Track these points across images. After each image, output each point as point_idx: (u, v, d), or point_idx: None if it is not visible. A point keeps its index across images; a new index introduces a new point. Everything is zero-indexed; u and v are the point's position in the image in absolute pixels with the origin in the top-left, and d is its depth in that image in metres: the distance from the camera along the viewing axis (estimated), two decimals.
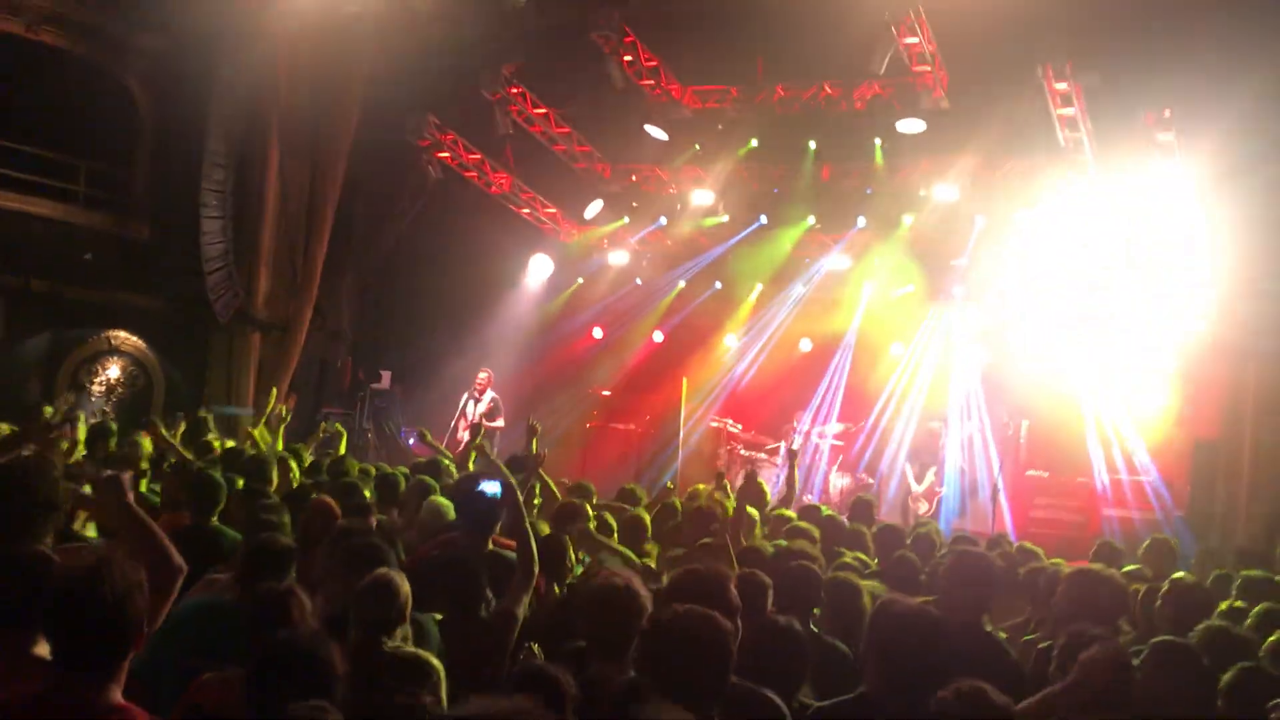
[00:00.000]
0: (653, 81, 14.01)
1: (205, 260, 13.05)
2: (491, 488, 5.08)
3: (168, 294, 14.10)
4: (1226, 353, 10.21)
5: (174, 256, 13.78)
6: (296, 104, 13.59)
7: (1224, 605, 5.50)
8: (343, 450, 8.89)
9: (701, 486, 7.73)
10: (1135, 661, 3.81)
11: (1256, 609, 5.58)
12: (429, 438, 8.80)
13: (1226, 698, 3.81)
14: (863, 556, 6.18)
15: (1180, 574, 6.62)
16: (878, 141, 14.26)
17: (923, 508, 13.56)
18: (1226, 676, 3.85)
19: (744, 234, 16.36)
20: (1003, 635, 4.86)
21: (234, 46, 12.96)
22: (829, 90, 13.94)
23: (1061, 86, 11.70)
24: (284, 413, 9.45)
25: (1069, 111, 12.12)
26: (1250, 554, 8.32)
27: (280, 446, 8.56)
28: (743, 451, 15.50)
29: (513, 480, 5.07)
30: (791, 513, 7.86)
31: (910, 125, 13.36)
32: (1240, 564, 7.64)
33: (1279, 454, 9.54)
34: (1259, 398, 9.65)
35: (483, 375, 13.92)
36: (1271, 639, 4.69)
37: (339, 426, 9.65)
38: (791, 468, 8.67)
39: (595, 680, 3.32)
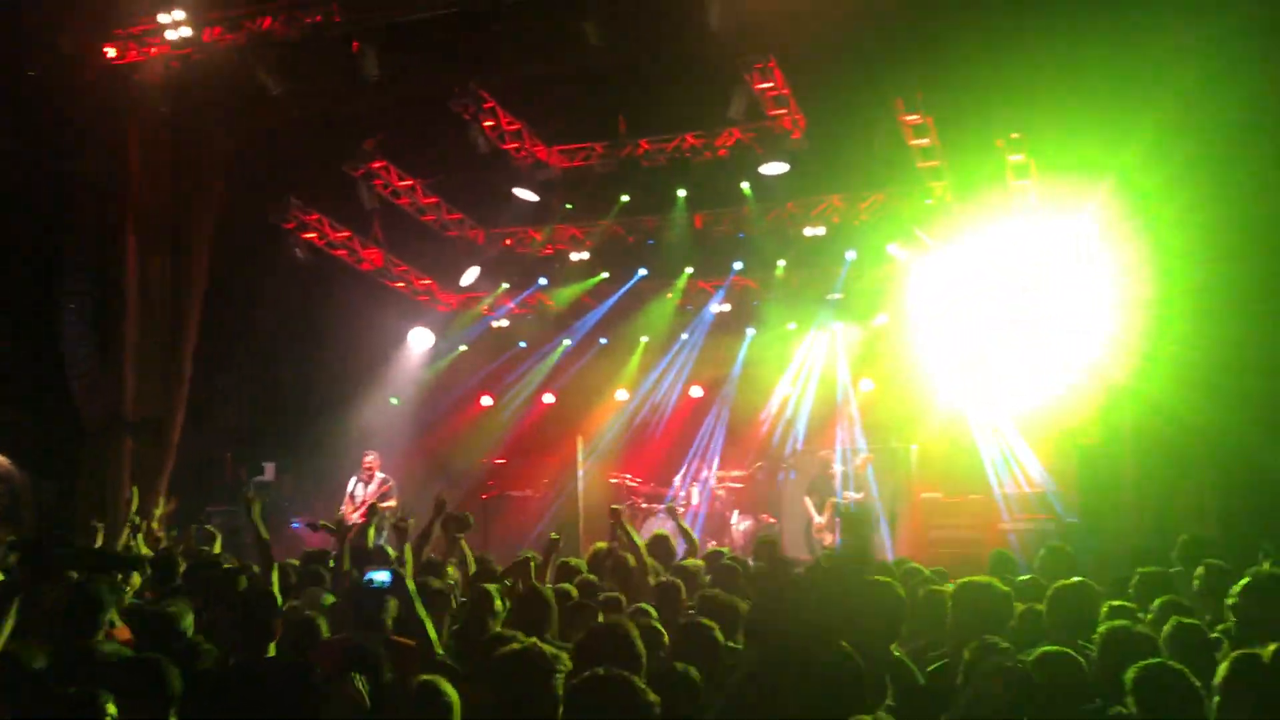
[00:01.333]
0: (517, 144, 14.00)
1: (69, 364, 12.52)
2: (380, 576, 4.79)
3: (29, 406, 13.45)
4: (1101, 359, 10.53)
5: (33, 366, 13.18)
6: (153, 195, 13.18)
7: (1107, 606, 5.57)
8: (218, 549, 8.50)
9: (601, 545, 7.61)
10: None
11: (1155, 603, 5.69)
12: (326, 524, 8.52)
13: (1133, 694, 3.82)
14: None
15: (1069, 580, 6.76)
16: (745, 186, 14.51)
17: (827, 539, 13.63)
18: (1130, 674, 3.86)
19: (625, 289, 16.44)
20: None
21: (82, 144, 12.56)
22: (692, 140, 14.14)
23: (913, 117, 12.07)
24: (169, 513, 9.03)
25: (924, 141, 12.50)
26: (1145, 552, 8.51)
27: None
28: (643, 505, 15.40)
29: (403, 570, 4.87)
30: (699, 563, 7.79)
31: (774, 168, 13.61)
32: (1135, 563, 7.80)
33: (1160, 452, 9.81)
34: (1136, 398, 9.94)
35: (370, 457, 13.56)
36: (1167, 628, 4.77)
37: (210, 528, 9.24)
38: (678, 524, 8.67)
39: None
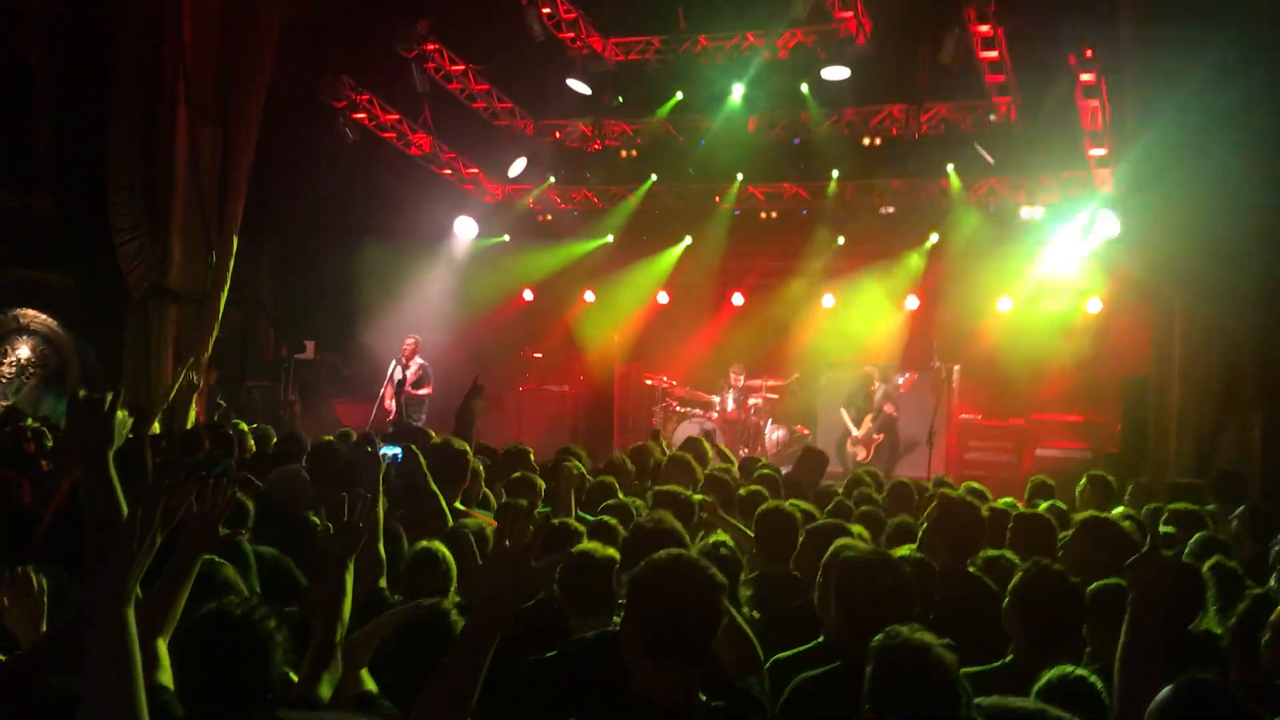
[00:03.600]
0: (573, 34, 13.72)
1: (115, 232, 12.56)
2: (390, 451, 4.73)
3: (77, 269, 13.57)
4: (1151, 291, 10.31)
5: (82, 230, 13.24)
6: (204, 67, 13.06)
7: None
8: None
9: (642, 444, 7.63)
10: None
11: (1192, 539, 5.62)
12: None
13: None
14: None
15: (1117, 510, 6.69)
16: (804, 89, 14.12)
17: (860, 454, 13.62)
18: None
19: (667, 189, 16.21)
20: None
21: (134, 8, 12.41)
22: (752, 39, 13.77)
23: (985, 29, 11.67)
24: (195, 381, 9.08)
25: (993, 54, 12.11)
26: (1182, 487, 8.41)
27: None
28: (678, 408, 15.42)
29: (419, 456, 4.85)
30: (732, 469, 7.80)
31: (835, 73, 13.25)
32: (1172, 498, 7.72)
33: (1205, 389, 9.64)
34: (1185, 334, 9.74)
35: (409, 341, 13.61)
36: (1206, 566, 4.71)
37: (241, 424, 9.23)
38: (715, 445, 8.71)
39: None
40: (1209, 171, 9.28)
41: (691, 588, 2.62)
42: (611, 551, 3.60)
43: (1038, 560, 3.79)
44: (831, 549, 3.70)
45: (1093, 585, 3.83)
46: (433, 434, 7.48)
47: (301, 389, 14.99)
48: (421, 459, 5.04)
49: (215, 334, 13.01)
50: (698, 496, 5.28)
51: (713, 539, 3.94)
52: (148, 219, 12.88)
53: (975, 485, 7.14)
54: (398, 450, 4.76)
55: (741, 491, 6.05)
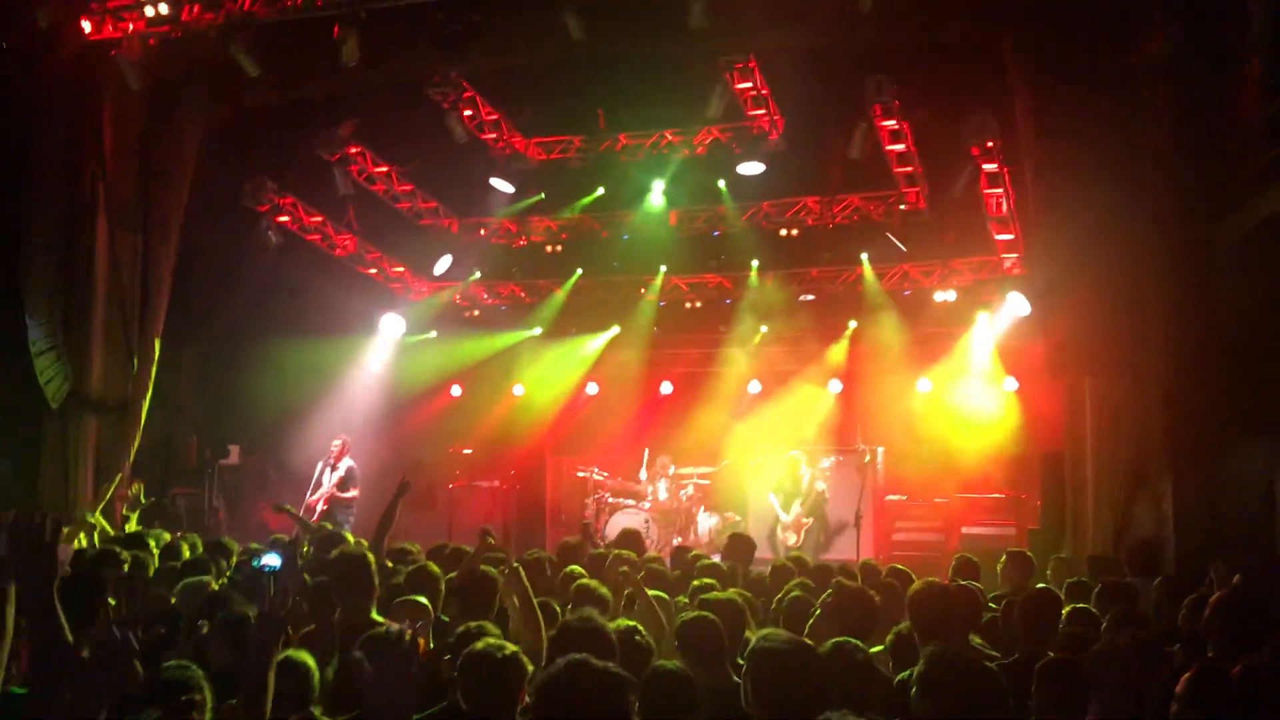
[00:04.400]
0: (495, 135, 13.99)
1: (32, 341, 12.35)
2: (269, 560, 4.53)
3: None
4: (1060, 371, 10.66)
5: None
6: (125, 172, 13.04)
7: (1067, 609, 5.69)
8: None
9: (570, 540, 7.64)
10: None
11: (1109, 614, 5.79)
12: (289, 508, 8.43)
13: None
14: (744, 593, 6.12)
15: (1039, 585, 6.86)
16: (721, 184, 14.59)
17: (791, 539, 13.73)
18: None
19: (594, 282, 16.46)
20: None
21: (53, 113, 12.41)
22: (670, 137, 14.17)
23: (891, 123, 12.17)
24: (135, 493, 8.93)
25: (899, 147, 12.62)
26: (1099, 561, 8.66)
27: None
28: (611, 499, 15.42)
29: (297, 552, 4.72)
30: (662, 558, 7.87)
31: (751, 168, 13.69)
32: (1091, 571, 7.94)
33: (1117, 465, 9.96)
34: (1095, 413, 10.08)
35: (336, 443, 13.48)
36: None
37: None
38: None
39: None
40: (1109, 255, 9.72)
41: (596, 694, 2.67)
42: (512, 648, 3.55)
43: (940, 646, 3.87)
44: (752, 639, 3.78)
45: (1041, 662, 3.95)
46: (350, 537, 7.41)
47: (227, 495, 14.74)
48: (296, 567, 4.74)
49: (137, 443, 12.78)
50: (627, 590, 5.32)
51: (625, 624, 3.98)
52: (66, 326, 12.71)
53: (899, 567, 7.28)
54: (274, 560, 4.48)
55: (696, 583, 6.09)
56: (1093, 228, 9.80)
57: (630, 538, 7.89)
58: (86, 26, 11.98)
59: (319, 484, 13.19)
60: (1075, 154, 9.90)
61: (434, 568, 5.64)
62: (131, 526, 8.41)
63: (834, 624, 4.81)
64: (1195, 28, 9.38)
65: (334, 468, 13.27)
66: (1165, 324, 9.69)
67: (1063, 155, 9.98)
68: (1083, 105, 9.84)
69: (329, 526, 8.24)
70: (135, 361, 13.08)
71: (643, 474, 15.26)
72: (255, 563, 4.49)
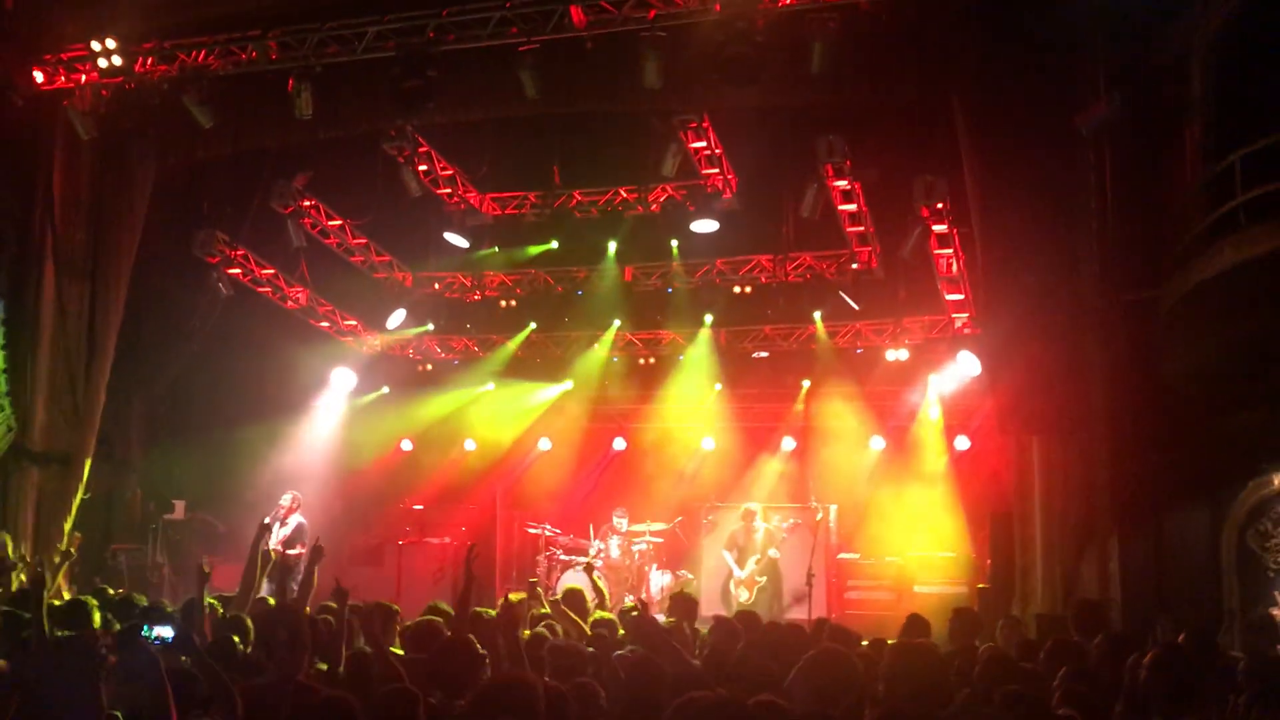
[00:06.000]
0: (449, 190, 14.03)
1: None
2: (161, 632, 4.23)
3: None
4: (1008, 429, 10.76)
5: None
6: (73, 222, 12.90)
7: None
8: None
9: (514, 596, 7.54)
10: None
11: (1059, 674, 5.79)
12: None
13: None
14: None
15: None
16: (674, 244, 14.71)
17: (743, 595, 13.67)
18: None
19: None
20: None
21: (3, 168, 12.29)
22: (625, 194, 14.28)
23: (842, 184, 12.35)
24: (67, 549, 8.73)
25: (851, 207, 12.80)
26: (1046, 620, 8.69)
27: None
28: (562, 556, 15.28)
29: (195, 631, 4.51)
30: (610, 615, 7.79)
31: (704, 225, 13.82)
32: (1038, 630, 7.97)
33: (1064, 524, 10.03)
34: (1042, 472, 10.16)
35: (287, 498, 13.21)
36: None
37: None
38: (591, 580, 8.67)
39: None
40: (1052, 317, 9.88)
41: None
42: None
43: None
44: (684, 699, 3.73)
45: None
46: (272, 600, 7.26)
47: (171, 551, 14.40)
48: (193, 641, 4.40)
49: (80, 496, 12.51)
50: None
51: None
52: (10, 376, 12.48)
53: (842, 627, 7.27)
54: (168, 632, 4.16)
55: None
56: (1037, 289, 9.97)
57: (573, 597, 7.80)
58: (39, 76, 11.92)
59: (265, 541, 12.89)
60: (1020, 216, 10.09)
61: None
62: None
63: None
64: (1136, 93, 9.64)
65: (283, 523, 13.00)
66: (1108, 385, 9.87)
67: (1007, 217, 10.16)
68: (1027, 168, 10.06)
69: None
70: (79, 414, 12.85)
71: (593, 540, 15.14)
72: (147, 631, 4.21)
